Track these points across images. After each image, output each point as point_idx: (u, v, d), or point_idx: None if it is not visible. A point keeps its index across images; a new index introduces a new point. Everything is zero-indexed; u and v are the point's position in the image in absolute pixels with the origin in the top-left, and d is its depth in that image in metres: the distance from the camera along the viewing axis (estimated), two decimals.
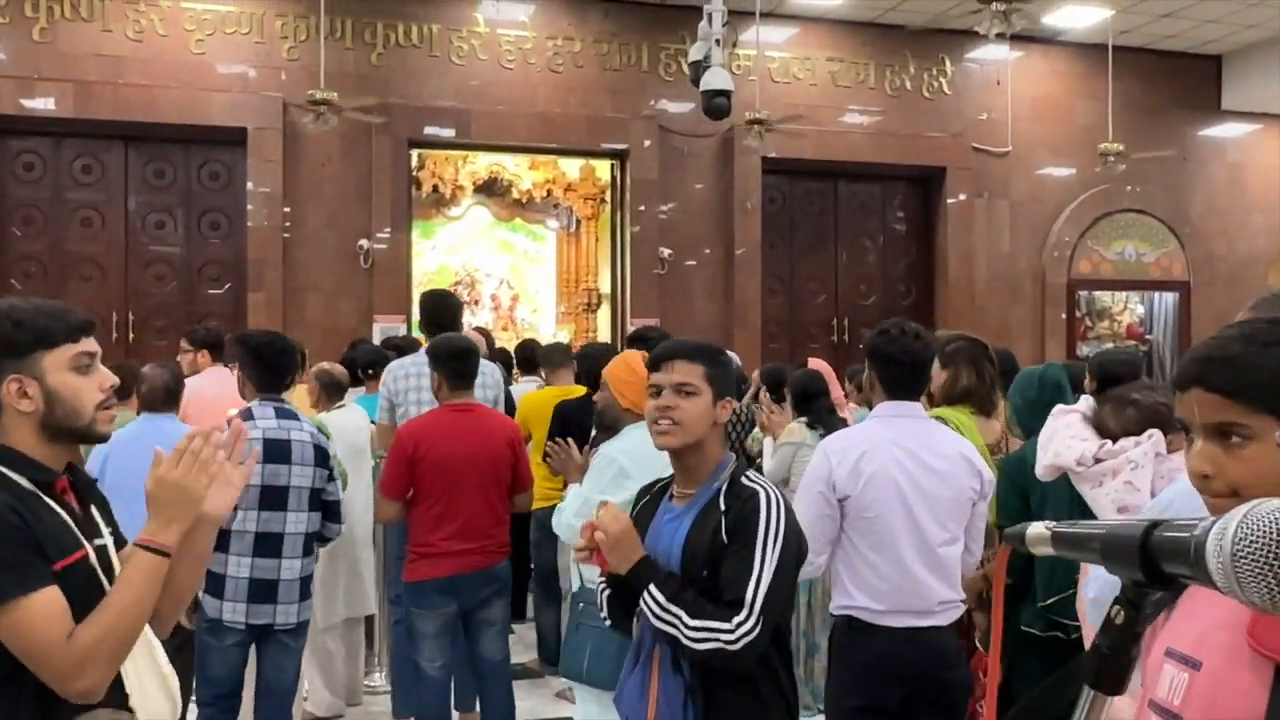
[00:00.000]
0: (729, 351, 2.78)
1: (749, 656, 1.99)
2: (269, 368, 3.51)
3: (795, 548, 2.07)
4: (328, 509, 3.50)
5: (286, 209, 7.81)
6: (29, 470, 1.66)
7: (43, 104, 7.37)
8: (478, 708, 4.16)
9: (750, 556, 2.00)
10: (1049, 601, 3.08)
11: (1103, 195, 9.65)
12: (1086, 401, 3.02)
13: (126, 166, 7.82)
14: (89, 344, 1.69)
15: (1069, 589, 3.06)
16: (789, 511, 2.09)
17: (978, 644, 3.42)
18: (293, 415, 3.48)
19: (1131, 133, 9.11)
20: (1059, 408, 3.05)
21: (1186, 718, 1.40)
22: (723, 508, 2.10)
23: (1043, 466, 2.91)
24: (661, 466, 3.10)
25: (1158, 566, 0.62)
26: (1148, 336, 9.92)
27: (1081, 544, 0.70)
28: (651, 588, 2.05)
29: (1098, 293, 10.01)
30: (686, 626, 2.01)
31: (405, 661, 4.55)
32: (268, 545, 3.31)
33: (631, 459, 3.07)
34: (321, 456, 3.47)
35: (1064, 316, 9.71)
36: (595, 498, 3.01)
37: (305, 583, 3.45)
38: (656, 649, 2.11)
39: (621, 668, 2.92)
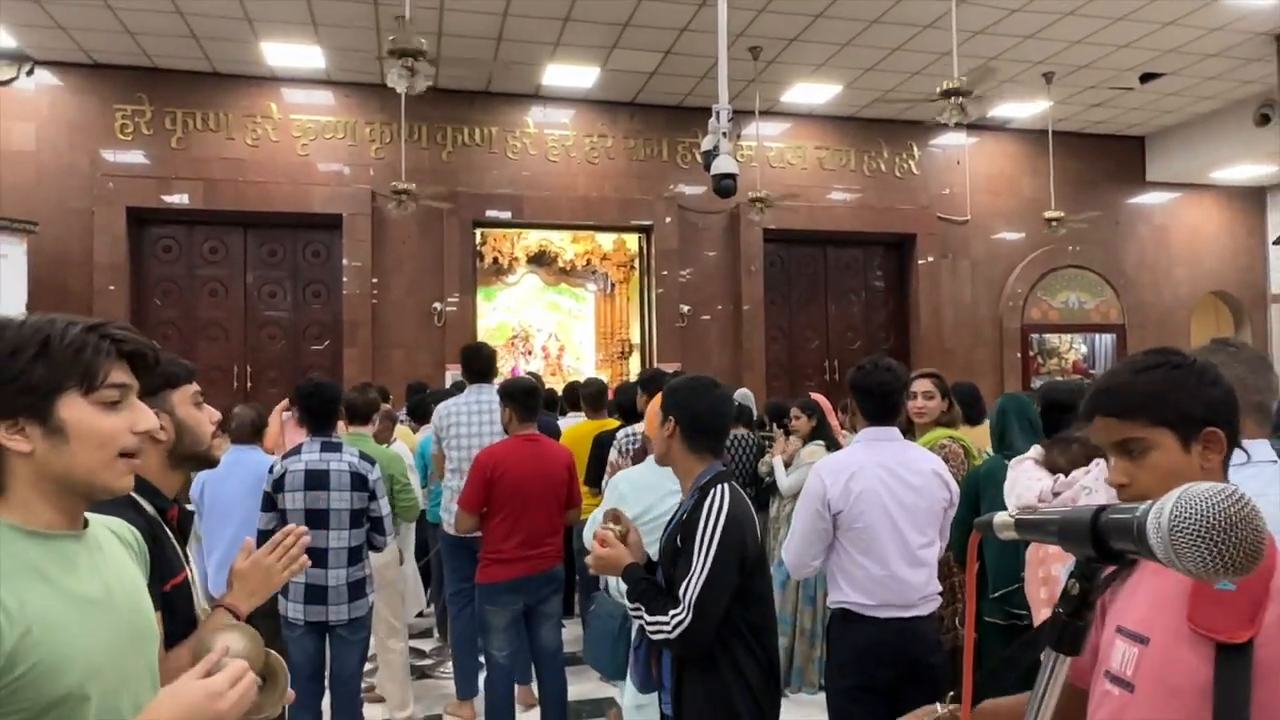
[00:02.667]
0: (743, 389, 2.77)
1: (690, 644, 1.99)
2: (312, 411, 3.57)
3: (737, 544, 2.02)
4: (374, 524, 3.52)
5: (374, 280, 7.94)
6: (154, 498, 1.71)
7: (178, 199, 7.59)
8: (533, 684, 4.13)
9: (690, 558, 2.00)
10: (997, 595, 3.05)
11: (1048, 254, 9.62)
12: (1035, 450, 3.00)
13: (245, 247, 8.03)
14: (197, 386, 1.78)
15: (1015, 583, 3.03)
16: (729, 515, 2.04)
17: (955, 624, 3.38)
18: (336, 448, 3.51)
19: (1070, 201, 9.09)
20: (1015, 459, 3.03)
21: (1139, 686, 1.40)
22: (684, 516, 2.11)
23: (1010, 507, 2.90)
24: (655, 491, 3.12)
25: (1106, 544, 0.63)
26: (1090, 371, 9.83)
27: (1041, 528, 0.71)
28: (629, 591, 2.07)
29: (1047, 335, 9.94)
30: (645, 619, 2.04)
31: (467, 652, 4.56)
32: (314, 557, 3.30)
33: (630, 485, 3.10)
34: (359, 482, 3.47)
35: (1019, 355, 9.64)
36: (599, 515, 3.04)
37: (355, 586, 3.47)
38: None
39: (617, 660, 2.94)
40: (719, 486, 2.10)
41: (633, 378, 8.64)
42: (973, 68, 6.92)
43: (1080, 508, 0.65)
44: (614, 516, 2.24)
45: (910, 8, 6.74)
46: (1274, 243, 9.98)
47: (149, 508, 1.66)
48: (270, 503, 3.37)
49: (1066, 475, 2.74)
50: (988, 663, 3.13)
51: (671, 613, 1.97)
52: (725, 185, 4.90)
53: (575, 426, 5.47)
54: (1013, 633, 2.99)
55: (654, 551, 2.86)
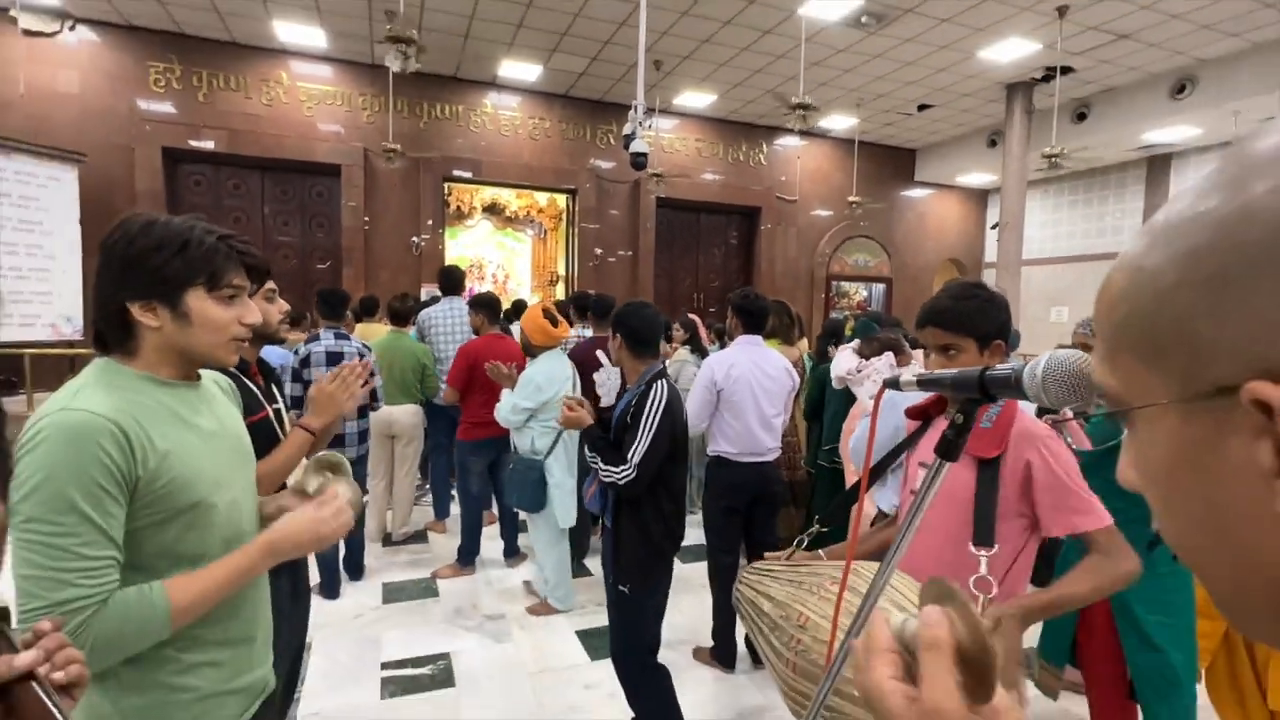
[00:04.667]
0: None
1: (632, 490, 2.02)
2: (330, 306, 3.51)
3: (669, 426, 2.03)
4: (372, 394, 3.41)
5: (366, 218, 7.41)
6: (241, 365, 1.72)
7: (206, 144, 6.78)
8: (494, 508, 4.17)
9: (637, 431, 2.03)
10: (828, 448, 3.24)
11: (847, 227, 9.90)
12: (854, 343, 3.14)
13: (263, 186, 7.30)
14: (272, 284, 1.79)
15: (835, 442, 3.22)
16: (666, 403, 2.06)
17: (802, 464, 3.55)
18: (346, 337, 3.42)
19: (865, 190, 9.34)
20: (842, 347, 3.17)
21: (933, 498, 1.50)
22: (632, 399, 2.13)
23: (835, 378, 3.04)
24: (563, 382, 3.17)
25: (988, 390, 0.63)
26: (868, 308, 10.29)
27: (937, 382, 0.69)
28: (589, 444, 2.10)
29: (842, 283, 10.30)
30: (600, 467, 2.07)
31: (441, 488, 4.53)
32: None
33: (544, 376, 3.11)
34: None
35: (824, 296, 9.99)
36: (520, 402, 3.08)
37: (362, 434, 3.50)
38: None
39: (535, 499, 3.11)
40: (659, 382, 2.10)
41: (559, 298, 8.57)
42: (811, 88, 6.92)
43: (968, 369, 0.65)
44: (578, 401, 2.21)
45: (770, 41, 6.62)
46: (991, 227, 10.59)
47: (236, 374, 1.63)
48: (297, 375, 3.21)
49: (867, 359, 2.91)
50: (822, 496, 3.34)
51: (621, 468, 2.00)
52: (639, 161, 4.79)
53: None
54: (836, 474, 3.18)
55: (549, 415, 3.02)
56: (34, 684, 0.58)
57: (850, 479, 3.01)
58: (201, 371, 1.14)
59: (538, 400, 3.05)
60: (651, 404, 2.02)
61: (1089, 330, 2.09)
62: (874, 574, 0.82)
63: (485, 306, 3.91)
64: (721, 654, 2.94)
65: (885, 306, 10.22)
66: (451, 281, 4.76)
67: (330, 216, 7.51)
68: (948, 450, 0.68)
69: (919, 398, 1.66)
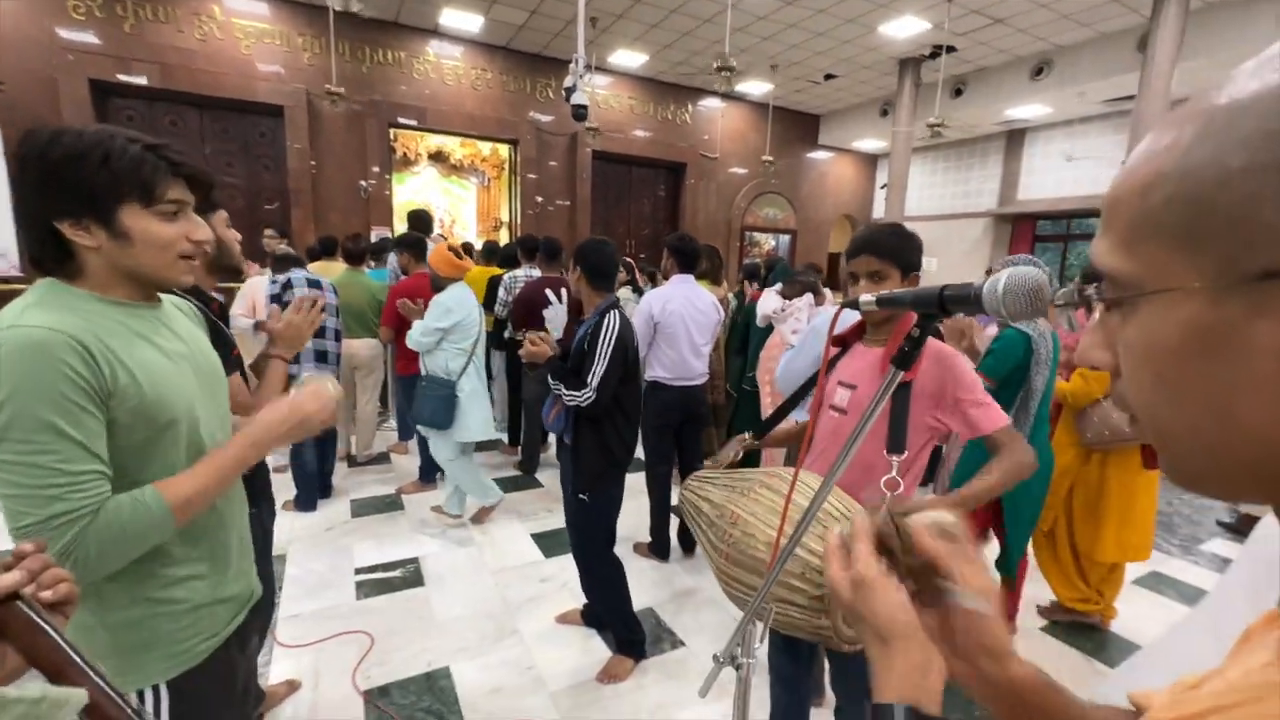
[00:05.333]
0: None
1: (593, 409, 2.01)
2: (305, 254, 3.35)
3: (622, 351, 2.03)
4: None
5: (313, 161, 6.75)
6: (200, 297, 1.52)
7: (137, 78, 5.87)
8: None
9: (595, 356, 2.01)
10: (752, 373, 3.32)
11: (759, 184, 9.91)
12: (778, 285, 3.19)
13: (202, 124, 6.45)
14: (225, 213, 1.63)
15: (755, 370, 3.30)
16: (619, 330, 2.04)
17: (728, 388, 3.64)
18: (317, 283, 3.22)
19: (776, 152, 9.33)
20: (767, 290, 3.22)
21: (850, 412, 1.57)
22: (589, 329, 2.10)
23: (760, 316, 3.09)
24: (471, 308, 3.06)
25: (946, 306, 0.62)
26: (777, 254, 10.47)
27: (898, 301, 0.67)
28: (551, 373, 2.07)
29: (754, 233, 10.41)
30: (564, 393, 2.05)
31: (404, 415, 4.38)
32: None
33: (454, 300, 3.00)
34: (335, 291, 3.36)
35: (739, 244, 10.08)
36: (431, 324, 2.97)
37: (318, 354, 3.31)
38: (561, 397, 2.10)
39: (445, 417, 3.01)
40: (612, 312, 2.08)
41: (503, 244, 8.26)
42: (734, 52, 6.74)
43: (928, 287, 0.63)
44: (539, 335, 2.14)
45: (698, 5, 6.34)
46: (880, 187, 10.88)
47: (196, 304, 1.46)
48: (278, 299, 3.04)
49: (790, 300, 2.98)
50: (742, 415, 3.43)
51: (583, 391, 1.98)
52: (579, 112, 4.56)
53: (473, 271, 5.13)
54: (755, 397, 3.28)
55: (465, 340, 3.02)
56: (20, 604, 0.54)
57: (766, 400, 3.12)
58: (161, 295, 1.01)
59: (448, 321, 2.96)
60: (606, 331, 2.00)
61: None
62: (798, 479, 0.85)
63: (411, 246, 3.70)
64: (657, 547, 3.07)
65: (790, 254, 10.43)
66: (422, 224, 4.50)
67: (275, 158, 6.78)
68: (903, 360, 0.69)
69: (841, 329, 1.71)
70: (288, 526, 3.22)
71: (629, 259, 5.08)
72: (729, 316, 3.63)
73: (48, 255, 0.87)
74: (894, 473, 1.29)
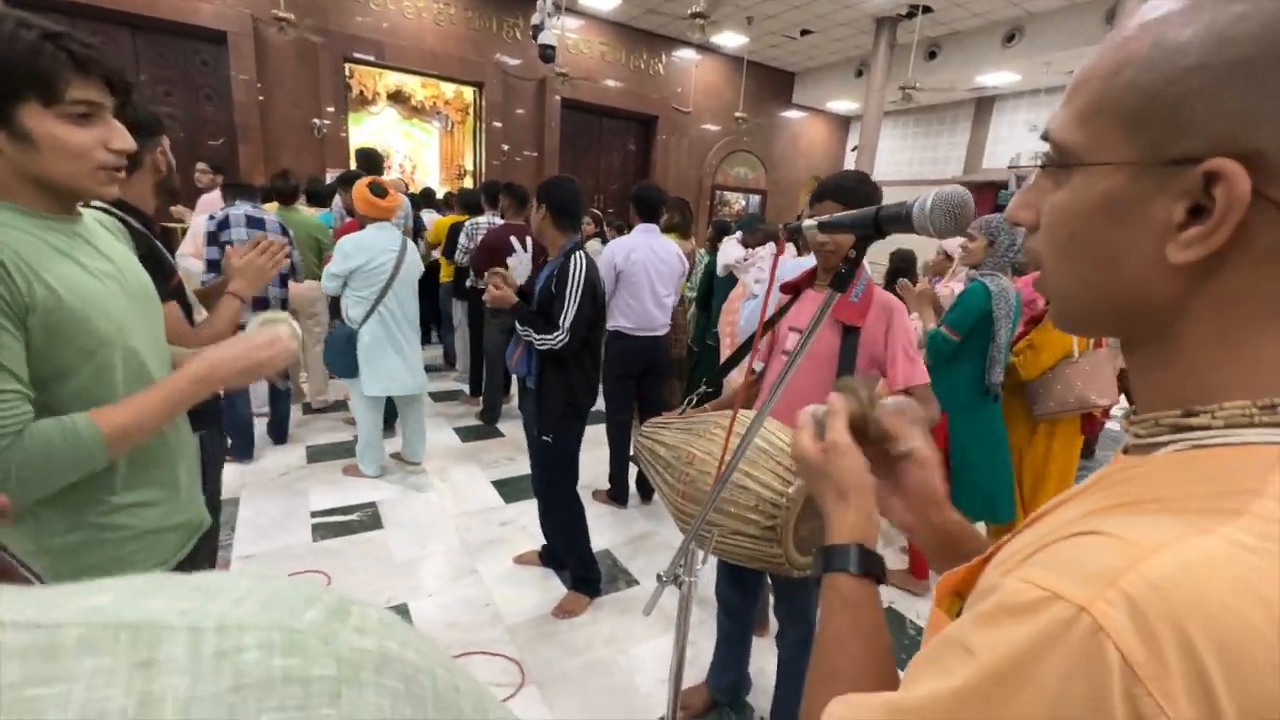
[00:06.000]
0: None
1: (564, 352, 2.00)
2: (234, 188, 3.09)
3: (591, 291, 2.02)
4: (291, 265, 3.22)
5: (260, 96, 6.34)
6: (142, 219, 1.43)
7: None
8: None
9: (564, 299, 2.00)
10: (714, 329, 3.35)
11: (732, 141, 9.80)
12: (738, 234, 3.19)
13: (135, 47, 5.96)
14: None
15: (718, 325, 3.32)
16: (587, 271, 2.02)
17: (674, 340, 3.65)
18: (260, 221, 3.03)
19: (750, 109, 9.20)
20: (728, 238, 3.22)
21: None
22: (554, 270, 2.08)
23: (721, 265, 3.10)
24: (374, 250, 2.86)
25: (881, 227, 0.64)
26: (749, 211, 10.42)
27: (839, 225, 0.68)
28: (519, 319, 2.05)
29: (725, 192, 10.34)
30: (534, 337, 2.03)
31: None
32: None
33: (353, 245, 2.83)
34: (284, 230, 3.12)
35: (709, 204, 10.01)
36: (330, 269, 2.85)
37: (282, 302, 3.17)
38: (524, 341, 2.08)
39: (345, 365, 2.92)
40: (578, 253, 2.04)
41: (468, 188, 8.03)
42: (710, 2, 6.54)
43: (865, 210, 0.65)
44: (500, 276, 2.10)
45: None
46: (851, 150, 10.88)
47: (137, 225, 1.36)
48: (214, 239, 2.84)
49: (751, 249, 3.00)
50: (703, 370, 3.47)
51: (554, 334, 1.96)
52: (547, 53, 4.41)
53: (439, 220, 4.98)
54: (719, 352, 3.32)
55: (369, 288, 2.86)
56: None
57: (728, 354, 3.16)
58: (83, 211, 0.93)
59: (344, 268, 2.80)
60: (575, 271, 1.98)
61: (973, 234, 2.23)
62: (752, 420, 0.89)
63: (352, 185, 3.56)
64: (616, 494, 3.13)
65: (760, 215, 10.41)
66: (371, 163, 4.31)
67: (219, 90, 6.35)
68: (840, 282, 0.71)
69: (792, 277, 1.73)
70: (239, 471, 3.16)
71: (596, 212, 5.00)
72: (696, 271, 3.62)
73: None
74: None
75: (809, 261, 1.93)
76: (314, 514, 2.85)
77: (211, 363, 0.94)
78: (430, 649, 0.26)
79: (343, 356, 2.85)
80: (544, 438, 2.13)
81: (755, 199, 10.58)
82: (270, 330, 1.02)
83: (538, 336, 1.97)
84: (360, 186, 2.83)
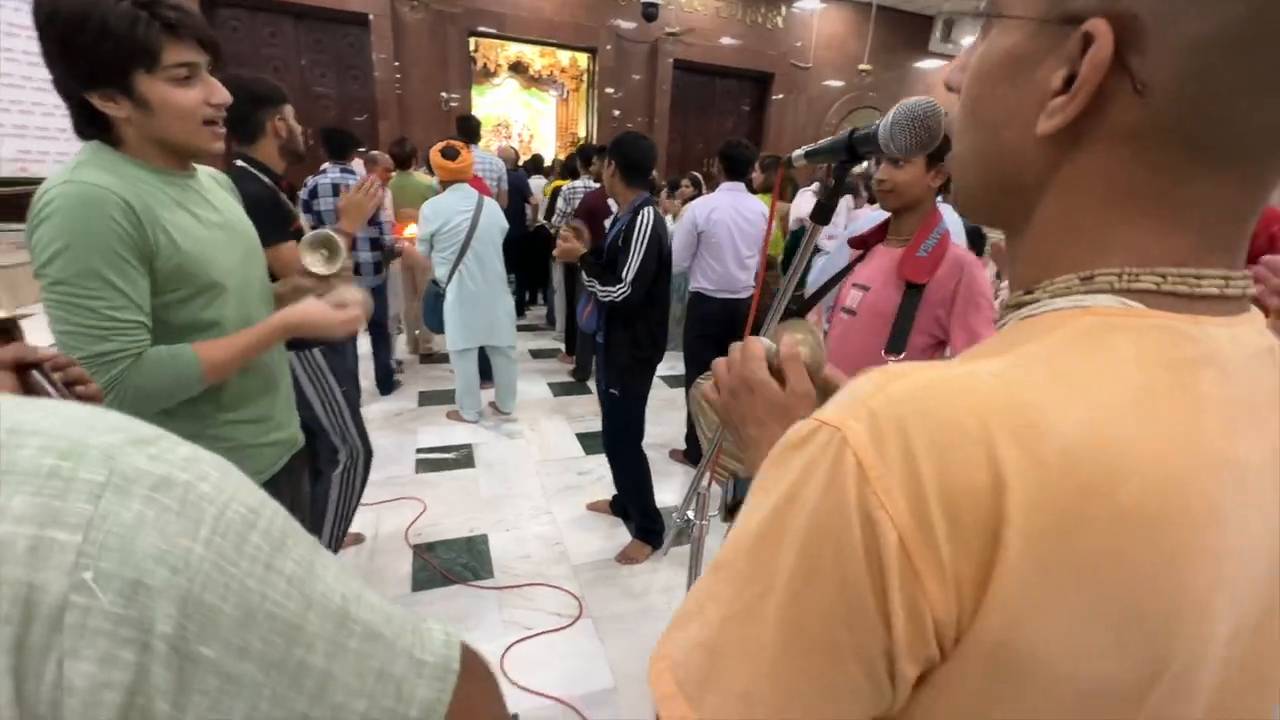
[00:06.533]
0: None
1: (626, 306, 2.01)
2: (332, 144, 3.21)
3: (656, 245, 2.00)
4: (381, 226, 3.30)
5: (397, 74, 6.91)
6: (271, 175, 1.69)
7: None
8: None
9: (629, 252, 2.01)
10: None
11: (855, 97, 9.09)
12: (815, 185, 3.01)
13: (297, 35, 6.72)
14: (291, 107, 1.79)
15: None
16: (653, 227, 2.01)
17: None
18: (351, 172, 3.19)
19: (877, 60, 8.47)
20: (803, 189, 3.05)
21: (860, 314, 1.53)
22: (623, 225, 2.10)
23: (794, 220, 2.96)
24: (456, 215, 2.95)
25: (855, 150, 0.60)
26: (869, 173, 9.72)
27: (821, 153, 0.65)
28: (585, 270, 2.10)
29: None
30: (598, 289, 2.07)
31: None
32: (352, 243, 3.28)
33: (432, 209, 2.95)
34: None
35: (826, 167, 9.41)
36: (418, 232, 3.01)
37: (377, 264, 3.32)
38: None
39: (434, 320, 3.16)
40: (646, 209, 2.06)
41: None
42: None
43: (838, 136, 0.62)
44: (574, 230, 2.18)
45: None
46: None
47: (267, 180, 1.65)
48: (308, 207, 3.07)
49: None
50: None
51: (617, 286, 2.02)
52: (650, 11, 4.37)
53: (545, 186, 5.19)
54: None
55: (449, 248, 3.01)
56: (37, 373, 0.58)
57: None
58: (199, 167, 1.08)
59: (425, 231, 2.98)
60: (640, 227, 2.00)
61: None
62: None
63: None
64: (691, 454, 3.17)
65: None
66: (468, 130, 4.58)
67: (363, 69, 6.99)
68: (821, 213, 0.68)
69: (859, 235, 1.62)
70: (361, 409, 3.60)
71: (698, 174, 4.93)
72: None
73: (88, 127, 0.90)
74: None
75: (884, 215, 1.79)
76: (418, 450, 3.19)
77: (298, 316, 1.09)
78: (239, 491, 0.28)
79: (434, 313, 3.12)
80: (611, 390, 2.20)
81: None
82: (352, 308, 1.15)
83: (601, 288, 2.02)
84: (434, 152, 2.99)
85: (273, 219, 1.56)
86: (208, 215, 1.04)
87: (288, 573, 0.28)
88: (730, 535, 0.36)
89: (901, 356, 1.40)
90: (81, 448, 0.24)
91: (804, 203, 2.86)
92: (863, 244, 1.58)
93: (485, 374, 4.04)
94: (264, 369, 1.17)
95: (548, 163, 6.28)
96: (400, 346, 4.46)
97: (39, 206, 0.86)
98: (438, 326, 3.18)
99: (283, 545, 0.28)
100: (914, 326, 1.38)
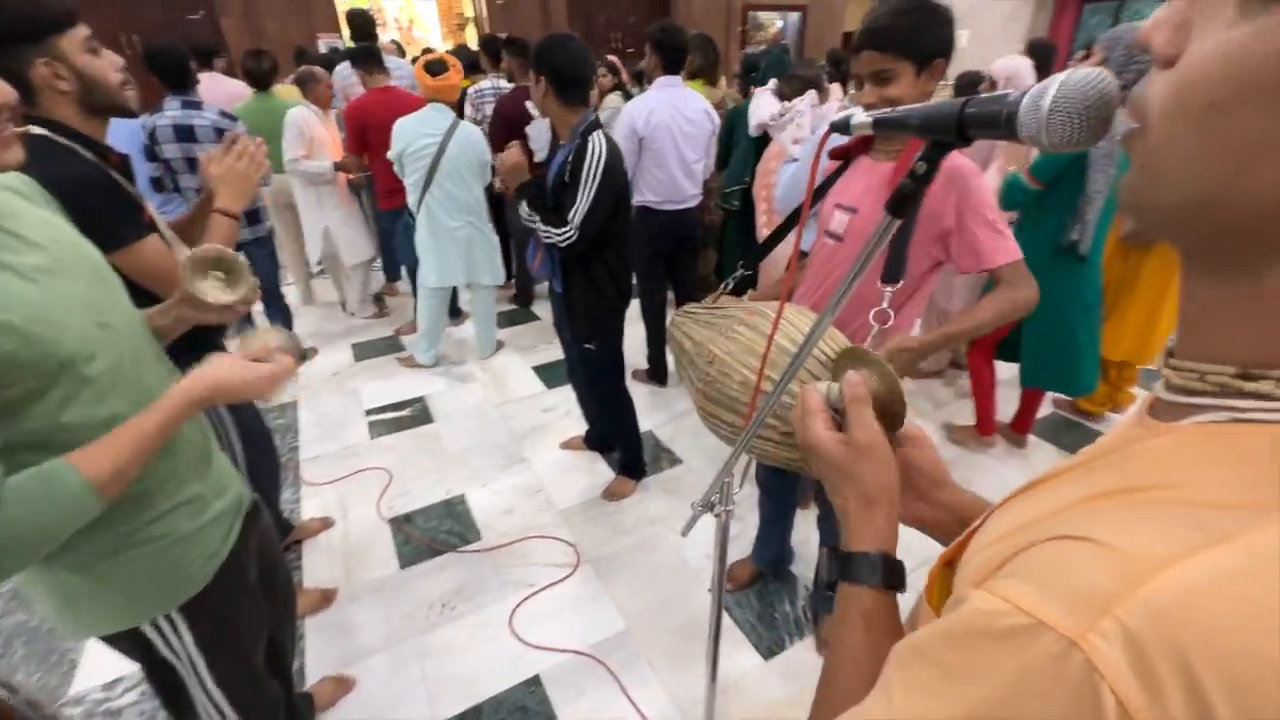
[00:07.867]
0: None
1: (572, 251, 1.80)
2: (163, 72, 2.51)
3: (610, 181, 1.75)
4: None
5: None
6: (91, 146, 1.14)
7: None
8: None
9: (577, 191, 1.75)
10: (726, 191, 3.04)
11: None
12: (772, 83, 2.75)
13: None
14: (86, 29, 1.09)
15: (735, 184, 3.00)
16: (607, 160, 1.74)
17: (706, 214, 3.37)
18: (196, 106, 2.58)
19: None
20: (759, 90, 2.77)
21: (847, 239, 1.40)
22: (569, 156, 1.83)
23: (754, 125, 2.72)
24: (414, 134, 2.67)
25: (965, 132, 0.43)
26: (784, 39, 9.22)
27: (901, 123, 0.48)
28: (525, 201, 1.84)
29: (759, 13, 9.03)
30: (540, 228, 1.84)
31: (388, 253, 4.13)
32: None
33: (399, 129, 2.70)
34: (220, 136, 2.58)
35: (740, 30, 8.78)
36: (390, 154, 2.73)
37: (251, 213, 2.89)
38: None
39: (405, 252, 2.95)
40: (595, 134, 1.75)
41: (472, 45, 7.24)
42: None
43: (944, 102, 0.44)
44: (519, 150, 1.88)
45: None
46: None
47: (90, 155, 1.13)
48: (151, 154, 2.54)
49: (788, 101, 2.60)
50: (729, 239, 3.22)
51: (563, 230, 1.78)
52: None
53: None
54: (731, 216, 3.05)
55: (415, 174, 2.75)
56: None
57: (762, 220, 2.89)
58: None
59: (392, 153, 2.74)
60: (591, 159, 1.72)
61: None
62: (781, 316, 0.79)
63: (363, 59, 3.18)
64: (655, 373, 3.12)
65: (799, 37, 9.13)
66: (364, 28, 3.87)
67: None
68: (900, 206, 0.53)
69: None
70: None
71: (613, 57, 4.42)
72: (726, 125, 3.21)
73: None
74: (884, 304, 1.18)
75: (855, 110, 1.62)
76: (368, 411, 2.97)
77: (211, 386, 0.84)
78: None
79: (404, 245, 2.83)
80: (587, 346, 2.05)
81: (794, 17, 9.20)
82: (279, 363, 0.90)
83: (543, 228, 1.78)
84: (418, 66, 2.63)
85: (114, 210, 1.13)
86: (25, 259, 0.73)
87: None
88: (886, 678, 0.32)
89: (898, 285, 1.32)
90: None
91: (763, 105, 2.60)
92: (843, 154, 1.43)
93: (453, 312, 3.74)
94: (188, 440, 0.95)
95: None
96: (292, 298, 3.99)
97: None
98: (405, 256, 2.88)
99: None
100: (910, 251, 1.30)
